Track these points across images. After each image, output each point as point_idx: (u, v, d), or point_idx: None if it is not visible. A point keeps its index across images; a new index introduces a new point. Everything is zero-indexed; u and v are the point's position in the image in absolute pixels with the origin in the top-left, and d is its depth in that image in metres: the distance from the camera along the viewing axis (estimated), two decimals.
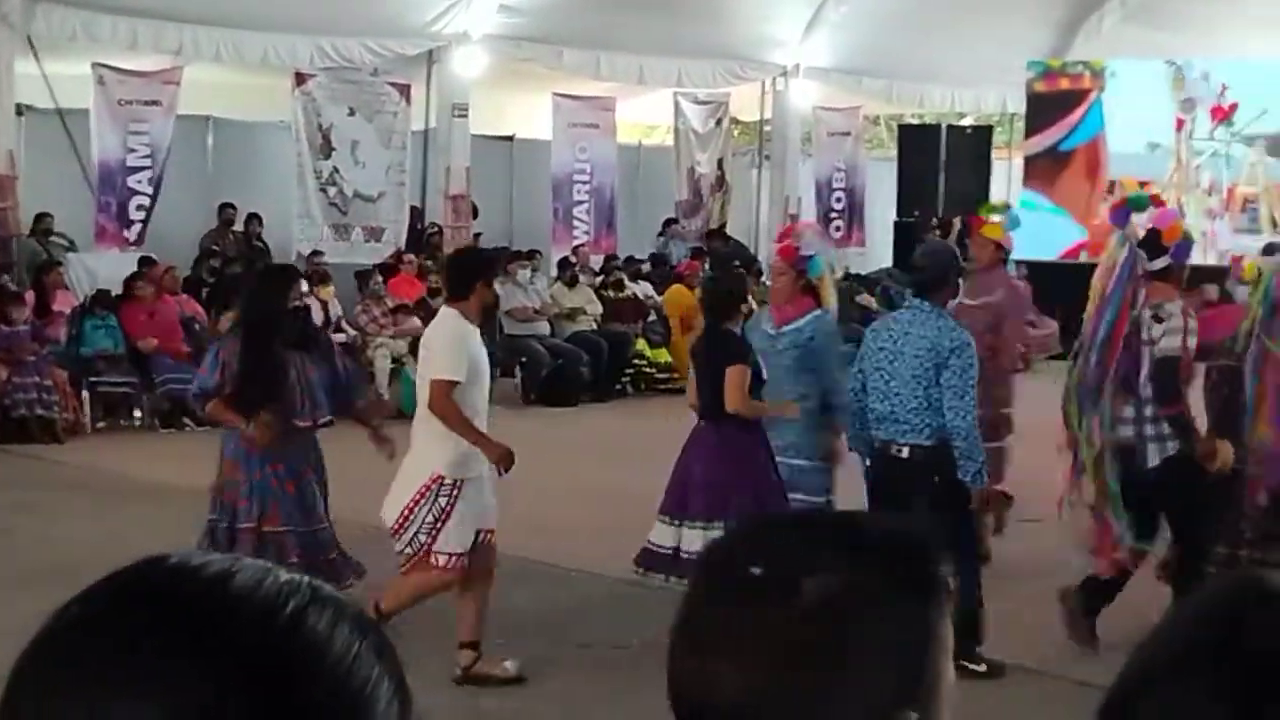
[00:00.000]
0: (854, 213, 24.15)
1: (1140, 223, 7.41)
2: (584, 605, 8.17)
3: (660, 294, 18.57)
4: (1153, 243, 7.35)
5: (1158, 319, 7.17)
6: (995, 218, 9.62)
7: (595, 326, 17.63)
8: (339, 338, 15.62)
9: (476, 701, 6.64)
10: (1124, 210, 7.53)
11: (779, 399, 7.44)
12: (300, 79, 17.48)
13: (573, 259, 18.71)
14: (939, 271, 7.20)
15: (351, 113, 17.95)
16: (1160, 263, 7.30)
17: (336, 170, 17.86)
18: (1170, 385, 7.14)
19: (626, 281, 18.52)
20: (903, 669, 1.22)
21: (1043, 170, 23.62)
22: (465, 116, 19.21)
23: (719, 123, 22.29)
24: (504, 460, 6.71)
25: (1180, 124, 23.16)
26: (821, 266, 7.95)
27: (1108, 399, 7.13)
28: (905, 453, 6.90)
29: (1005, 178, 24.31)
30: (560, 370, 16.71)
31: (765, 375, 7.37)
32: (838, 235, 23.73)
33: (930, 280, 7.11)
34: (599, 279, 18.72)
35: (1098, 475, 7.17)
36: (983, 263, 9.18)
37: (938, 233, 21.92)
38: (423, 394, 6.77)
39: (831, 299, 8.10)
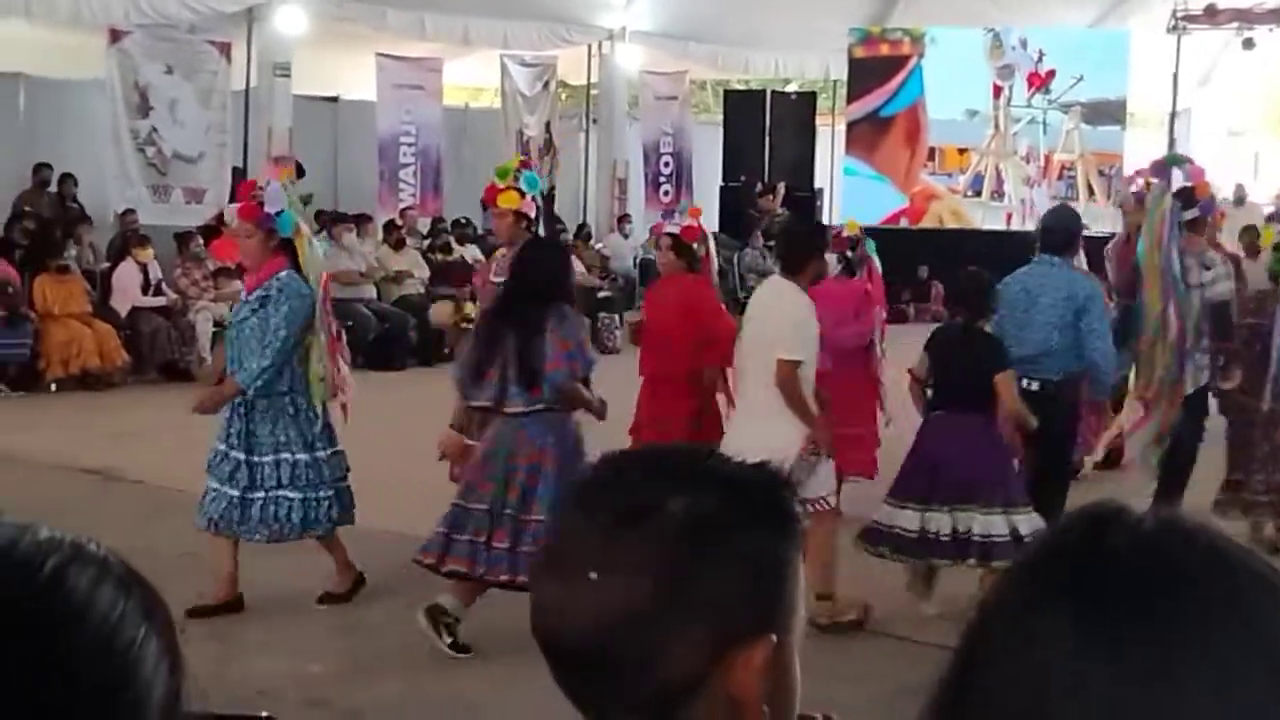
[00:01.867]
0: (682, 177, 24.27)
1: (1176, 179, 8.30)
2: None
3: (487, 257, 18.44)
4: (1186, 198, 8.22)
5: (1205, 266, 8.33)
6: (521, 185, 8.10)
7: (423, 290, 17.49)
8: (159, 301, 15.31)
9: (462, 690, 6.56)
10: (1165, 167, 8.42)
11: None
12: (115, 35, 16.98)
13: (399, 222, 18.52)
14: (1065, 234, 8.21)
15: (169, 71, 17.50)
16: (1192, 214, 8.24)
17: (155, 130, 17.41)
18: (1228, 325, 8.53)
19: (454, 244, 18.39)
20: (758, 592, 1.27)
21: (864, 137, 24.01)
22: (287, 76, 18.86)
23: (546, 85, 22.21)
24: (826, 444, 6.99)
25: (998, 91, 23.69)
26: (291, 222, 7.30)
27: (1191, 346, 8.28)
28: (1035, 386, 7.69)
29: (829, 143, 24.63)
30: (387, 334, 16.56)
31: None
32: (666, 199, 23.85)
33: (1060, 240, 8.10)
34: (426, 242, 18.56)
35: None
36: (504, 235, 8.23)
37: (770, 197, 22.19)
38: (755, 361, 7.04)
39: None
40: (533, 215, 8.15)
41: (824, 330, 7.62)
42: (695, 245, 8.55)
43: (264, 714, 1.03)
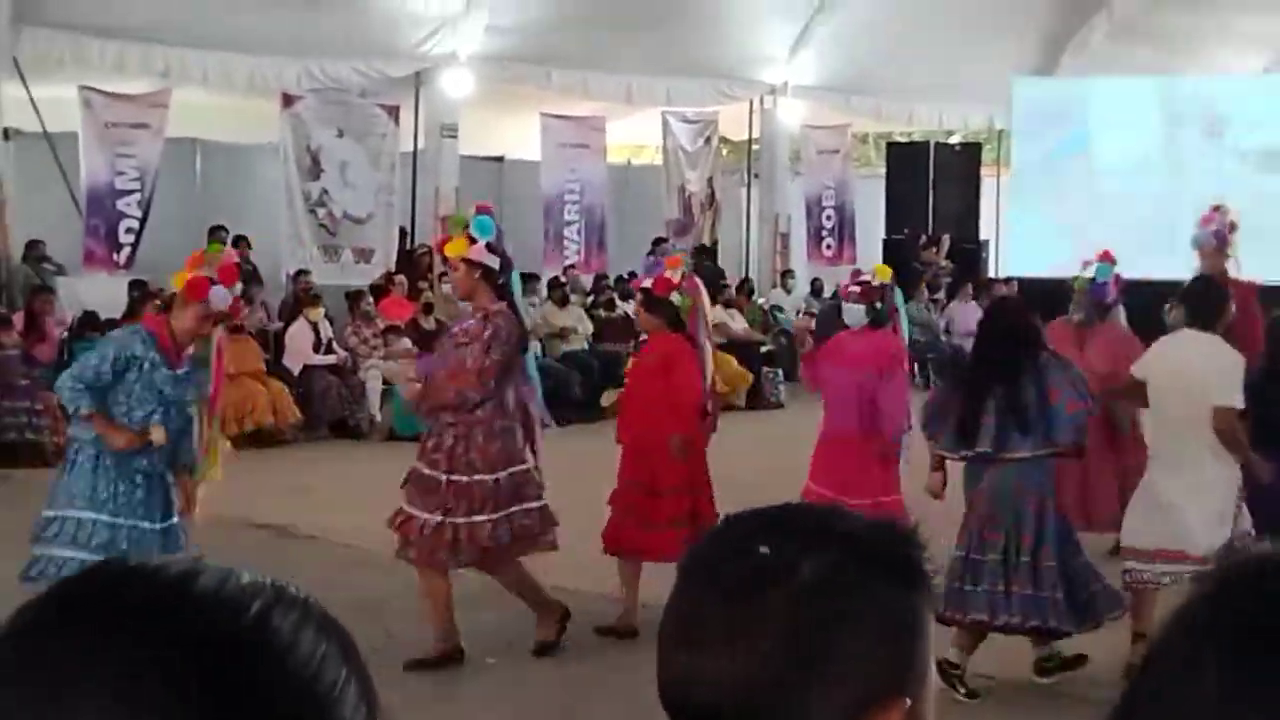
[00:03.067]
0: (844, 230, 24.16)
1: None
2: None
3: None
4: None
5: None
6: (473, 231, 7.33)
7: (587, 346, 17.59)
8: (330, 359, 15.60)
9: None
10: None
11: None
12: (288, 100, 17.46)
13: (563, 279, 18.68)
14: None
15: (340, 134, 17.93)
16: None
17: (325, 192, 17.82)
18: None
19: (617, 300, 18.49)
20: (895, 653, 1.24)
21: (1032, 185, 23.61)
22: (454, 137, 19.21)
23: (708, 141, 22.31)
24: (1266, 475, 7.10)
25: (1168, 138, 23.18)
26: None
27: None
28: None
29: (993, 195, 24.35)
30: (552, 391, 16.64)
31: None
32: (829, 253, 23.75)
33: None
34: (590, 298, 18.69)
35: None
36: (461, 290, 7.60)
37: (934, 250, 21.98)
38: (1186, 411, 7.06)
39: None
40: (493, 265, 7.27)
41: (845, 388, 7.68)
42: (677, 298, 7.98)
43: None
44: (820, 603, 1.23)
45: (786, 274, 22.54)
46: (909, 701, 1.24)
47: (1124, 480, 8.83)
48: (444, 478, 7.11)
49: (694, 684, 1.24)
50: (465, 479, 7.11)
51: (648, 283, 8.10)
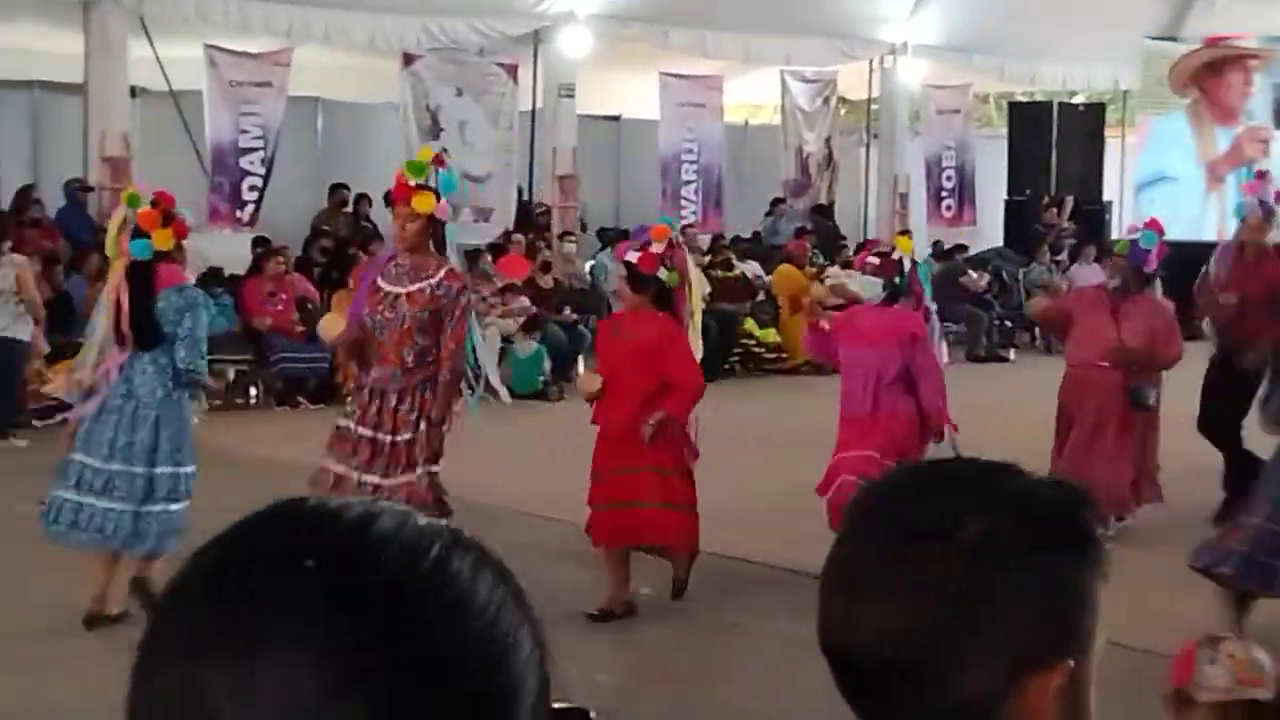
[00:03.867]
0: (964, 192, 23.84)
1: None
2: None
3: (768, 273, 18.45)
4: None
5: None
6: (437, 186, 7.09)
7: (703, 306, 17.51)
8: None
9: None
10: None
11: None
12: (408, 59, 17.55)
13: (680, 239, 18.59)
14: None
15: (459, 93, 18.00)
16: None
17: (445, 150, 17.81)
18: None
19: (734, 261, 18.42)
20: (1055, 618, 1.23)
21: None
22: (571, 96, 19.21)
23: (826, 101, 22.12)
24: None
25: None
26: None
27: None
28: None
29: (1118, 156, 23.94)
30: None
31: None
32: (948, 214, 23.48)
33: None
34: (706, 258, 18.63)
35: None
36: (407, 242, 7.07)
37: (1055, 211, 21.66)
38: None
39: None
40: (445, 220, 7.11)
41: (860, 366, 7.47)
42: (663, 273, 7.41)
43: (591, 712, 1.02)
44: (984, 563, 1.22)
45: (903, 234, 22.27)
46: (1071, 664, 1.22)
47: (1143, 458, 8.69)
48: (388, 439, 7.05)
49: (852, 631, 1.24)
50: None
51: (632, 257, 7.40)
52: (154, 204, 7.17)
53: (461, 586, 0.91)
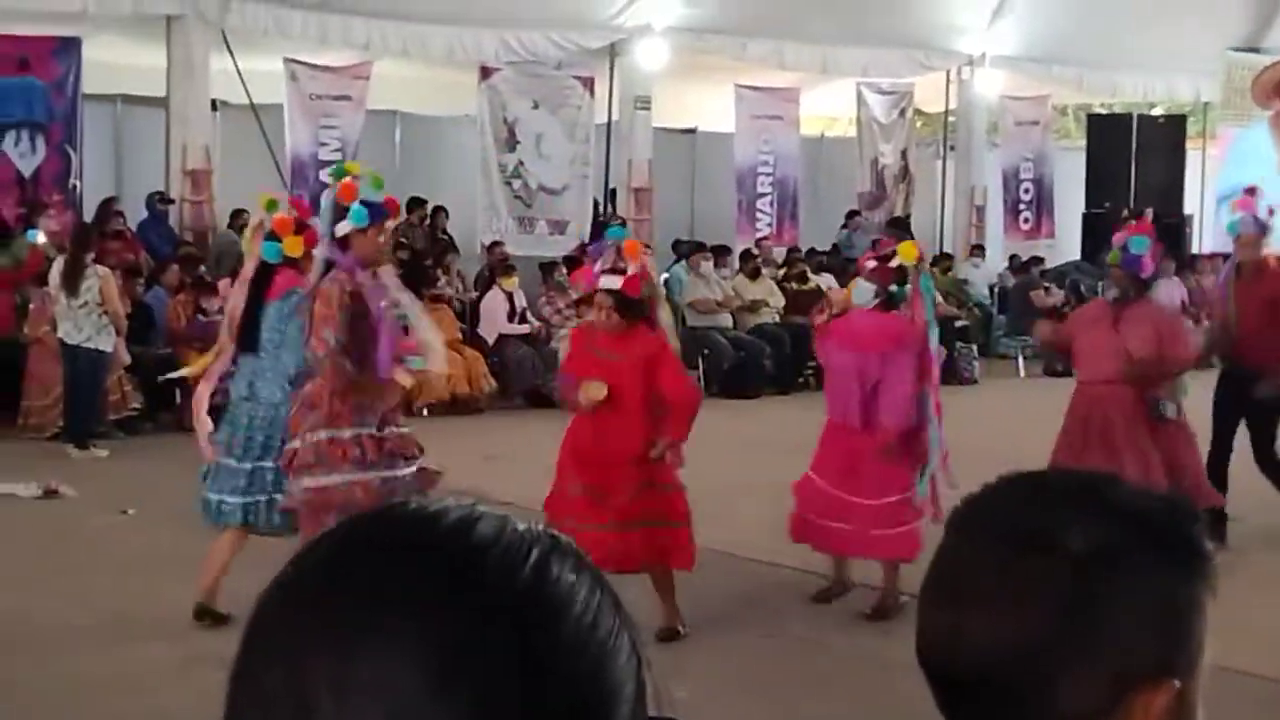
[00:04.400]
0: (1042, 204, 23.67)
1: None
2: (764, 595, 8.13)
3: (843, 286, 18.36)
4: None
5: None
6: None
7: (778, 319, 17.52)
8: (524, 329, 15.76)
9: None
10: None
11: None
12: (485, 73, 17.66)
13: (755, 251, 18.61)
14: None
15: (536, 106, 18.08)
16: None
17: (521, 163, 18.00)
18: None
19: (809, 273, 18.38)
20: (1162, 634, 1.20)
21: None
22: (647, 109, 19.25)
23: (903, 113, 22.02)
24: None
25: None
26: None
27: None
28: None
29: (1198, 168, 23.67)
30: (743, 363, 16.65)
31: None
32: (1026, 227, 23.31)
33: None
34: (781, 271, 18.60)
35: None
36: (368, 255, 6.73)
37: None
38: None
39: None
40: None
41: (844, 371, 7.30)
42: (643, 296, 7.13)
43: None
44: (1090, 576, 1.19)
45: (976, 248, 22.17)
46: (1178, 684, 1.19)
47: (1175, 464, 8.46)
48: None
49: (954, 643, 1.22)
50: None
51: (615, 283, 7.03)
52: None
53: (562, 590, 0.91)
